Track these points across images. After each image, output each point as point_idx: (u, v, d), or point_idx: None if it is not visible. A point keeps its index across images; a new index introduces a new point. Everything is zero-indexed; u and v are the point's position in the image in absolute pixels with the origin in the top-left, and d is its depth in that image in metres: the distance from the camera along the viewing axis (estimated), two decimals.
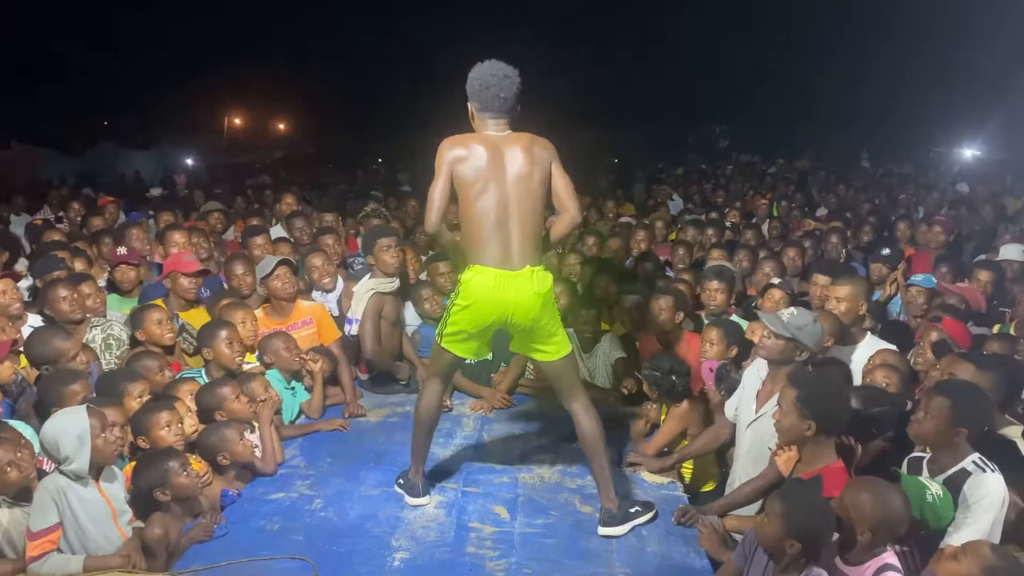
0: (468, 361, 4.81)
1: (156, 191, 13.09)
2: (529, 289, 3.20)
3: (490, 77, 3.23)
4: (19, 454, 2.95)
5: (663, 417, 4.14)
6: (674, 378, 3.97)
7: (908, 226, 7.84)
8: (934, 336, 4.13)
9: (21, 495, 2.99)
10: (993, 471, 2.86)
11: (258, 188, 12.39)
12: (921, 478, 2.93)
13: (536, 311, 3.23)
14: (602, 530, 3.31)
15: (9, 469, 2.91)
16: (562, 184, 3.29)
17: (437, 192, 3.24)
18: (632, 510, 3.37)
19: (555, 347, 3.37)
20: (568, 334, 4.91)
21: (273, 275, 4.77)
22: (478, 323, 3.28)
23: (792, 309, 3.60)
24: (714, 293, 5.02)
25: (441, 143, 3.30)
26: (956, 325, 4.30)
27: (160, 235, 5.99)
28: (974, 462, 2.90)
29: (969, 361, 3.34)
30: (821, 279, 5.12)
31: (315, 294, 5.43)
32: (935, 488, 2.81)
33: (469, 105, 3.32)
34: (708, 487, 3.99)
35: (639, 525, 3.34)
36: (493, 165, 3.21)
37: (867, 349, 4.02)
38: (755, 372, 3.70)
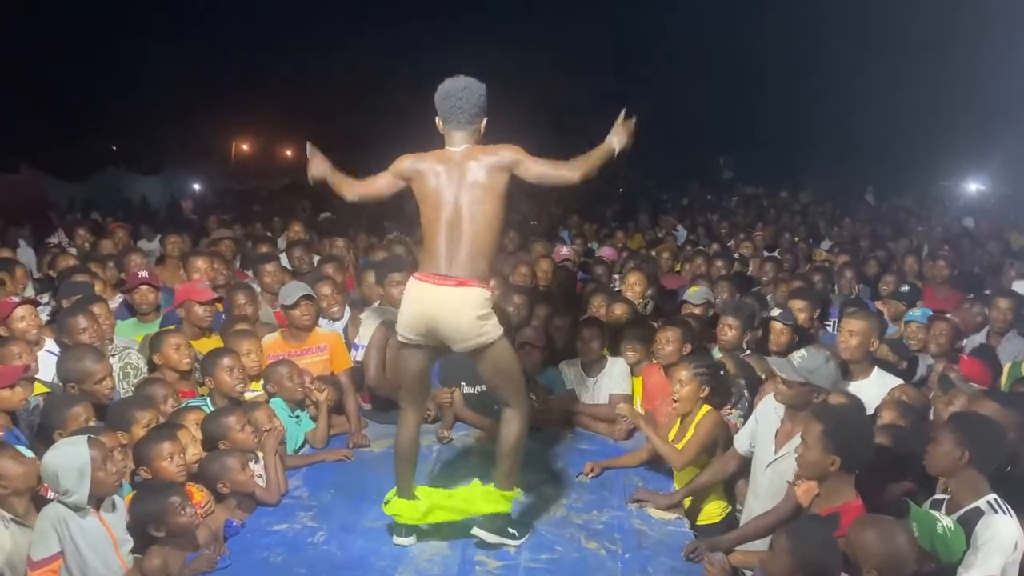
0: (472, 391, 4.82)
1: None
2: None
3: (451, 88, 3.32)
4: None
5: (673, 432, 4.09)
6: (722, 372, 4.01)
7: (916, 260, 7.84)
8: (951, 375, 4.11)
9: (26, 516, 2.99)
10: (1005, 513, 2.84)
11: (266, 214, 12.44)
12: (932, 511, 2.90)
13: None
14: (476, 531, 3.40)
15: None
16: (538, 170, 3.29)
17: (378, 184, 3.51)
18: (510, 530, 3.44)
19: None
20: (567, 365, 4.96)
21: (295, 306, 4.80)
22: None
23: (803, 351, 3.56)
24: (727, 329, 4.95)
25: (404, 155, 3.44)
26: (973, 363, 4.28)
27: (183, 260, 6.01)
28: (988, 502, 2.88)
29: (993, 399, 3.33)
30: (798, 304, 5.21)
31: (322, 322, 5.44)
32: (945, 521, 2.80)
33: (436, 119, 3.39)
34: (704, 520, 3.93)
35: (516, 546, 3.42)
36: (447, 182, 3.30)
37: (875, 384, 4.00)
38: (771, 409, 3.64)
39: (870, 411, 3.72)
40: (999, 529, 2.79)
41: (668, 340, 4.59)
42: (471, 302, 3.23)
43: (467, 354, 3.36)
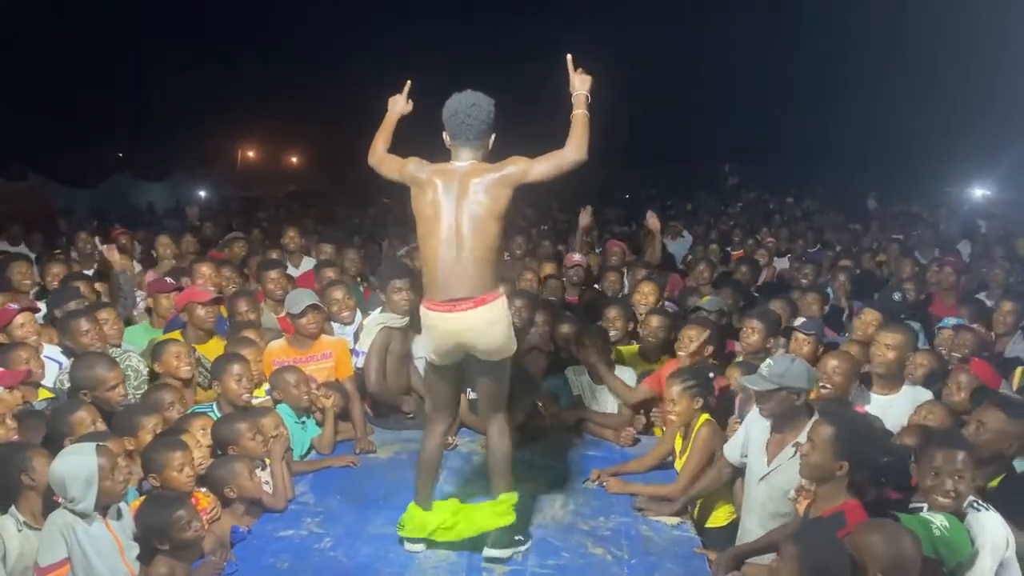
0: (475, 397, 4.82)
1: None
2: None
3: (459, 104, 3.29)
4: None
5: (678, 446, 4.10)
6: (711, 377, 4.02)
7: (911, 264, 7.80)
8: (963, 378, 4.05)
9: (37, 520, 3.01)
10: (988, 510, 2.84)
11: (271, 221, 12.47)
12: (920, 514, 2.87)
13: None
14: (488, 551, 3.38)
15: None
16: (544, 168, 3.25)
17: (389, 163, 3.52)
18: (517, 537, 3.46)
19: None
20: (573, 372, 4.96)
21: (301, 315, 4.82)
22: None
23: (768, 360, 3.57)
24: (750, 331, 4.85)
25: (414, 157, 3.44)
26: (984, 366, 4.25)
27: (189, 267, 6.07)
28: (970, 503, 2.87)
29: (999, 408, 3.29)
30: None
31: (333, 326, 5.45)
32: (939, 520, 2.76)
33: (443, 134, 3.39)
34: (713, 523, 3.94)
35: (523, 552, 3.45)
36: (446, 198, 3.27)
37: (906, 399, 3.95)
38: (759, 421, 3.60)
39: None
40: (985, 527, 2.78)
41: (691, 339, 4.58)
42: (496, 318, 3.25)
43: (487, 364, 3.36)
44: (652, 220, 7.85)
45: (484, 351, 3.30)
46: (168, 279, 5.36)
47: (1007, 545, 2.76)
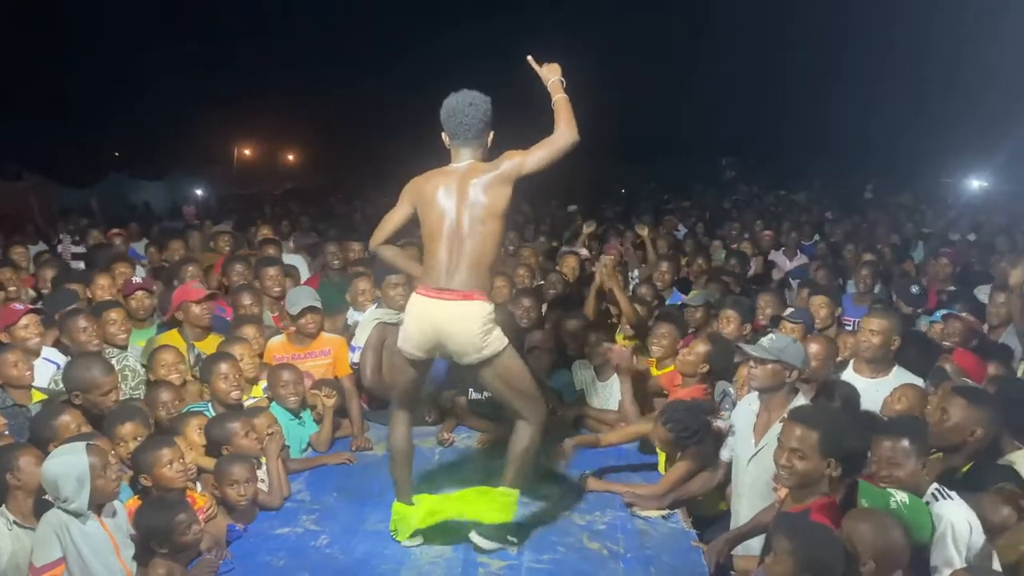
0: (480, 397, 4.81)
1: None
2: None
3: (456, 104, 3.32)
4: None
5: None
6: (697, 437, 3.84)
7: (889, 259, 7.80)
8: (946, 368, 4.08)
9: (28, 519, 3.00)
10: (950, 499, 2.84)
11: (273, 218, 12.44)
12: (884, 488, 2.88)
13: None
14: (474, 536, 3.40)
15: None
16: (538, 157, 3.27)
17: (392, 219, 3.51)
18: (509, 537, 3.45)
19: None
20: (579, 366, 4.97)
21: (299, 316, 4.81)
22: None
23: (770, 335, 3.70)
24: (726, 321, 5.04)
25: (413, 178, 3.47)
26: (967, 356, 4.25)
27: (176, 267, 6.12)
28: (932, 492, 2.88)
29: (962, 396, 3.28)
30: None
31: (352, 313, 5.48)
32: (900, 496, 2.78)
33: (442, 135, 3.40)
34: (714, 512, 3.95)
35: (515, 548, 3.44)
36: (447, 199, 3.31)
37: (895, 383, 3.96)
38: (746, 407, 3.71)
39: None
40: (945, 516, 2.77)
41: (691, 351, 4.47)
42: (474, 316, 3.24)
43: (474, 367, 3.35)
44: (640, 230, 8.67)
45: (456, 348, 3.29)
46: (133, 279, 5.36)
47: (971, 531, 2.75)
